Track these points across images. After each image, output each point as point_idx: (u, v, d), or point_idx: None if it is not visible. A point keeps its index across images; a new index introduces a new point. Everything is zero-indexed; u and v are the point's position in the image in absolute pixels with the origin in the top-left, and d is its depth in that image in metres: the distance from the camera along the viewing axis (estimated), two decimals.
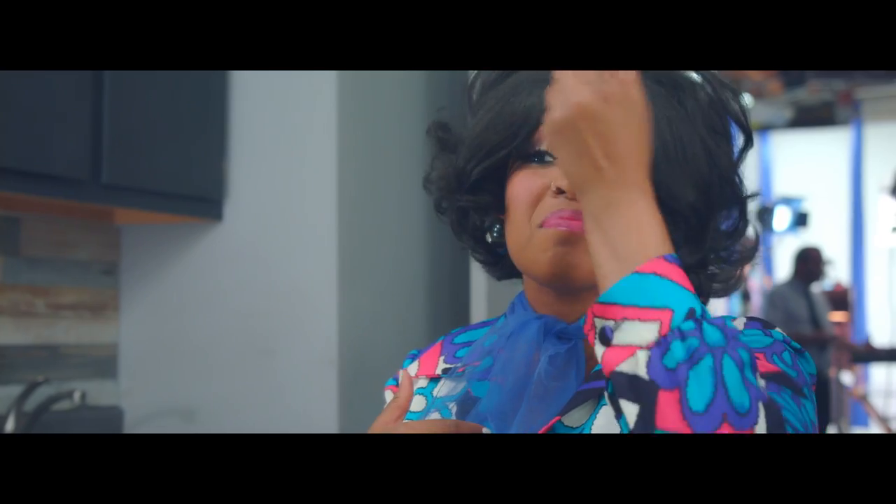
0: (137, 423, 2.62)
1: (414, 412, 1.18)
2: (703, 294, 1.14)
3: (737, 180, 1.13)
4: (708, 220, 1.10)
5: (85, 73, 2.17)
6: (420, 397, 1.19)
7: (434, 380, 1.20)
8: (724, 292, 1.16)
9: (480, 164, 1.13)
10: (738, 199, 1.14)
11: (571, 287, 1.10)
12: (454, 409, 1.13)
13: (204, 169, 2.51)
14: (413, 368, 1.23)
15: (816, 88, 10.52)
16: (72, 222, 2.55)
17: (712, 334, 0.89)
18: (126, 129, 2.28)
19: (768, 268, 10.88)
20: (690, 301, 0.90)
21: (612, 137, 0.93)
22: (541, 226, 1.08)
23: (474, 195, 1.16)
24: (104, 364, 2.64)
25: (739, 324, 1.08)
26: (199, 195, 2.50)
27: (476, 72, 1.18)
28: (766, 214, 10.34)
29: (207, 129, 2.51)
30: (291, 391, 2.49)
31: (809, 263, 6.82)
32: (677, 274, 0.91)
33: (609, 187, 0.94)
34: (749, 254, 1.16)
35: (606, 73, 0.95)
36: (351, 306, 2.51)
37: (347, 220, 2.52)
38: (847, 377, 7.97)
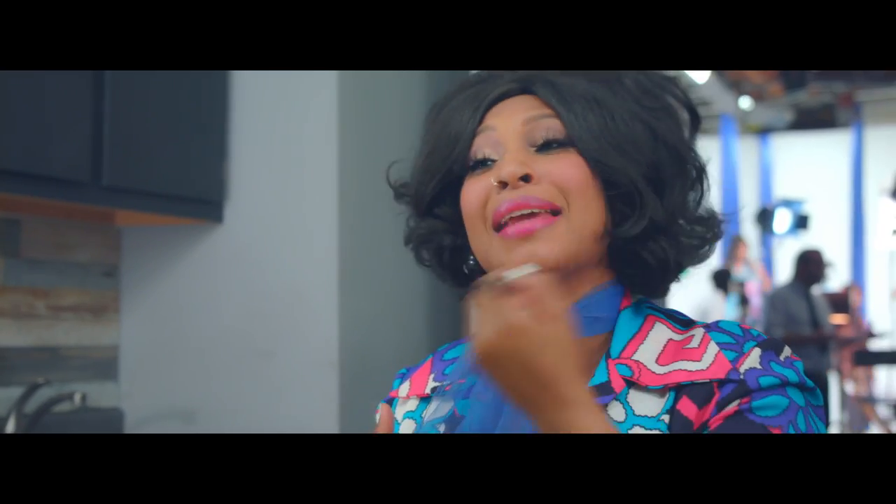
0: (138, 424, 2.62)
1: None
2: (682, 265, 1.13)
3: (686, 152, 1.12)
4: (651, 193, 1.09)
5: (85, 75, 2.17)
6: (410, 421, 1.19)
7: (425, 400, 1.19)
8: (701, 259, 1.14)
9: (431, 184, 1.14)
10: (690, 170, 1.12)
11: None
12: (442, 430, 1.13)
13: (204, 171, 2.51)
14: (404, 389, 1.22)
15: (817, 91, 10.53)
16: (72, 224, 2.55)
17: None
18: (126, 130, 2.28)
19: (769, 270, 10.88)
20: None
21: (529, 366, 0.94)
22: (497, 228, 1.07)
23: (432, 217, 1.17)
24: (105, 366, 2.63)
25: (755, 358, 1.03)
26: (199, 197, 2.50)
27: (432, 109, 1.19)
28: (766, 217, 10.35)
29: (208, 131, 2.52)
30: (292, 393, 2.49)
31: (810, 265, 6.81)
32: None
33: (549, 412, 0.95)
34: (714, 222, 1.14)
35: (504, 303, 0.95)
36: (351, 308, 2.51)
37: (348, 222, 2.52)
38: (850, 386, 7.96)
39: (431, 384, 1.19)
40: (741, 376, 1.01)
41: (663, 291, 1.15)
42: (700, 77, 9.17)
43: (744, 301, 9.33)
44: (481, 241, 1.10)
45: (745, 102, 10.77)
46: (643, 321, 1.11)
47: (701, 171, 1.14)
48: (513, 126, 1.09)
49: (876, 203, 10.79)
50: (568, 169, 1.07)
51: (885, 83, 10.16)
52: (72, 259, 2.56)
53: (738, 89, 10.55)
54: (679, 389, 1.03)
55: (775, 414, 1.00)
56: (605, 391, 1.05)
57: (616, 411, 1.04)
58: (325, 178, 2.49)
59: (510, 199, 1.06)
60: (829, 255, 7.43)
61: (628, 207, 1.08)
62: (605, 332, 1.10)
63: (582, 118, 1.06)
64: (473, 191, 1.10)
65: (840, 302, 8.45)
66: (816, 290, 7.03)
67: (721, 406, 1.01)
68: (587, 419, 0.95)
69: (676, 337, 1.08)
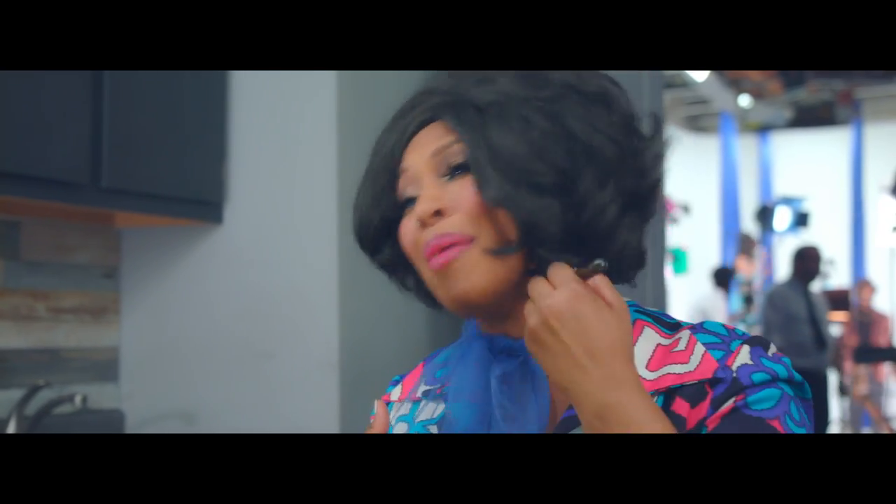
0: (138, 426, 2.62)
1: None
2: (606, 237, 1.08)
3: (601, 140, 1.05)
4: (559, 199, 1.04)
5: (84, 76, 2.17)
6: (403, 424, 1.19)
7: (417, 402, 1.20)
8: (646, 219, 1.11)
9: (370, 229, 1.15)
10: (608, 157, 1.05)
11: (483, 313, 1.10)
12: (435, 432, 1.13)
13: (204, 172, 2.51)
14: (396, 392, 1.23)
15: (816, 88, 10.54)
16: (72, 226, 2.55)
17: None
18: (126, 132, 2.28)
19: (769, 268, 10.89)
20: None
21: (590, 333, 0.95)
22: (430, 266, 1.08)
23: (383, 256, 1.17)
24: (105, 367, 2.63)
25: (745, 354, 1.03)
26: (199, 198, 2.50)
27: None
28: (766, 215, 10.35)
29: (207, 133, 2.52)
30: (292, 394, 2.49)
31: (807, 262, 6.81)
32: None
33: (599, 388, 0.95)
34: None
35: (572, 277, 0.97)
36: (351, 309, 2.51)
37: (347, 223, 2.50)
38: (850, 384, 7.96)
39: (423, 387, 1.20)
40: (734, 373, 1.02)
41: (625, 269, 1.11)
42: (699, 75, 9.17)
43: (748, 300, 9.33)
44: (425, 277, 1.11)
45: (745, 100, 10.78)
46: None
47: (624, 154, 1.07)
48: (423, 160, 1.10)
49: (876, 200, 10.79)
50: (473, 196, 1.06)
51: (885, 80, 10.17)
52: (71, 261, 2.56)
53: (738, 87, 10.56)
54: (669, 392, 1.03)
55: (770, 406, 1.01)
56: None
57: None
58: (325, 178, 2.49)
59: (430, 238, 1.07)
60: (829, 252, 7.44)
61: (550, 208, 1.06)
62: None
63: (480, 141, 1.05)
64: (405, 232, 1.11)
65: (840, 299, 8.45)
66: (816, 288, 7.04)
67: (716, 405, 1.01)
68: (635, 401, 0.95)
69: (664, 342, 1.08)
